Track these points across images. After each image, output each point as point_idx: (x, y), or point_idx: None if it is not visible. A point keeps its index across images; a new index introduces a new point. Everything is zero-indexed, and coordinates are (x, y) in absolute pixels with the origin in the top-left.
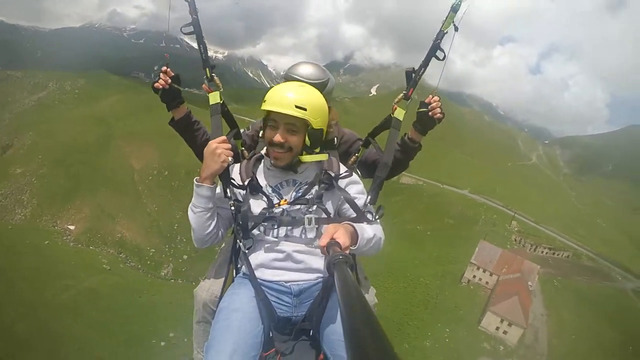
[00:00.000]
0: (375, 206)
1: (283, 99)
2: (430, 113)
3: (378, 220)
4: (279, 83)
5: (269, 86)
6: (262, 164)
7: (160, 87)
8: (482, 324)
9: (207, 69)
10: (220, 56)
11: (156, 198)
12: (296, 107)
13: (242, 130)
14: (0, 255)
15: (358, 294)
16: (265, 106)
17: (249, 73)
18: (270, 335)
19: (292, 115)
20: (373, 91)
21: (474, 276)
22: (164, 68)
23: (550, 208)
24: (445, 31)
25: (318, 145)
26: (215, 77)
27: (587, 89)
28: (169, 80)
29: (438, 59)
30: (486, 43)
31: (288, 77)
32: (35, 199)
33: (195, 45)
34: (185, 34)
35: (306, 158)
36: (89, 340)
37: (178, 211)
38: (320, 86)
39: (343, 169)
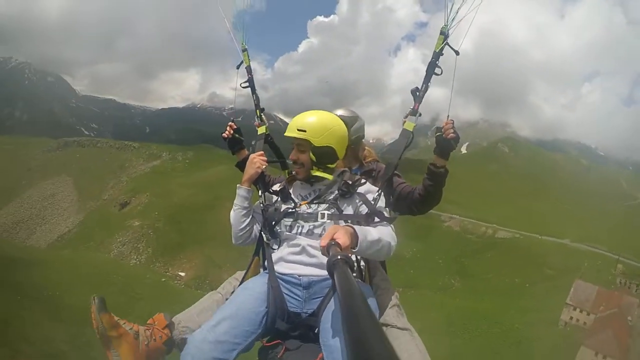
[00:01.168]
0: (389, 212)
1: (291, 124)
2: (444, 135)
3: (390, 225)
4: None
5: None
6: (297, 182)
7: (226, 136)
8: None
9: (258, 110)
10: None
11: None
12: (298, 130)
13: None
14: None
15: (358, 294)
16: (285, 133)
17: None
18: (276, 327)
19: (296, 137)
20: (463, 150)
21: (571, 317)
22: (230, 123)
23: None
24: (438, 51)
25: (328, 160)
26: (263, 116)
27: None
28: (232, 132)
29: (437, 74)
30: (572, 83)
31: None
32: (150, 247)
33: (287, 120)
34: (243, 87)
35: (315, 172)
36: None
37: None
38: (348, 120)
39: (362, 180)
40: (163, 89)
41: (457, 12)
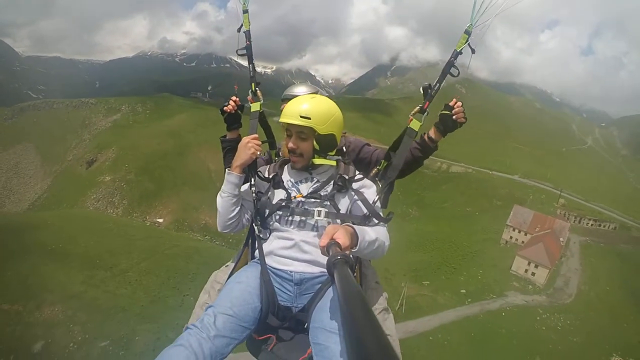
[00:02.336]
0: (386, 211)
1: (291, 111)
2: (454, 117)
3: (385, 226)
4: (327, 91)
5: None
6: (288, 165)
7: (228, 111)
8: (513, 267)
9: (253, 84)
10: (268, 71)
11: None
12: (301, 117)
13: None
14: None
15: (358, 294)
16: (280, 119)
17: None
18: (267, 321)
19: (299, 125)
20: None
21: (511, 237)
22: (234, 97)
23: (603, 188)
24: (459, 51)
25: (330, 148)
26: (259, 91)
27: None
28: (235, 107)
29: (452, 75)
30: (532, 29)
31: (286, 98)
32: (125, 200)
33: (243, 62)
34: (240, 55)
35: (317, 161)
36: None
37: None
38: None
39: (357, 173)
40: (109, 39)
41: (483, 12)
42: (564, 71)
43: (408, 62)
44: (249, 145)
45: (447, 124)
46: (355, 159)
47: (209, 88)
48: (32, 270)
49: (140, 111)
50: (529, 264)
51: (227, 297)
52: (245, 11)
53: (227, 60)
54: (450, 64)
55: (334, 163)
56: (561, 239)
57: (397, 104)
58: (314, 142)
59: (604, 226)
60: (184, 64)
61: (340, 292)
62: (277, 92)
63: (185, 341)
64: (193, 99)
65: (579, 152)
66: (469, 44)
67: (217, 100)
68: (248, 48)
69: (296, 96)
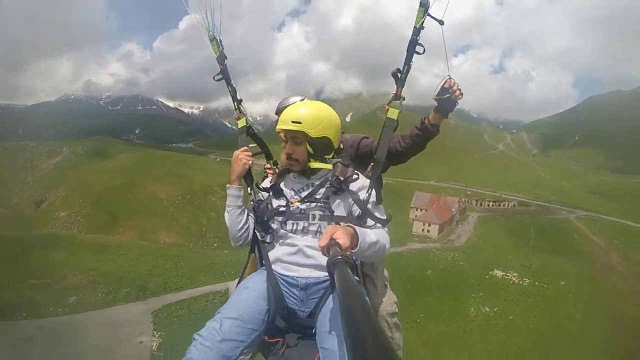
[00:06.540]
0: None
1: (284, 117)
2: (453, 96)
3: (386, 228)
4: (255, 129)
5: None
6: (290, 174)
7: (247, 167)
8: (413, 230)
9: (235, 102)
10: (196, 111)
11: (185, 213)
12: (292, 122)
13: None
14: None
15: (358, 294)
16: (276, 127)
17: (227, 123)
18: (276, 324)
19: (291, 130)
20: (348, 119)
21: (415, 215)
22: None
23: (509, 181)
24: (419, 26)
25: (326, 151)
26: (242, 108)
27: (550, 76)
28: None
29: (419, 53)
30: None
31: (279, 110)
32: (83, 231)
33: (170, 103)
34: (216, 80)
35: (314, 165)
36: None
37: (203, 219)
38: None
39: (355, 174)
40: (32, 82)
41: None
42: (479, 89)
43: (332, 94)
44: (240, 157)
45: (448, 106)
46: (355, 155)
47: (137, 131)
48: (43, 258)
49: (81, 152)
50: (423, 224)
51: (234, 301)
52: (212, 39)
53: (154, 102)
54: (413, 43)
55: (330, 166)
56: (452, 210)
57: None
58: (308, 146)
59: (504, 205)
60: (109, 107)
61: (340, 292)
62: (206, 131)
63: (191, 355)
64: (126, 141)
65: (491, 157)
66: (430, 15)
67: (146, 142)
68: (223, 72)
69: (289, 105)
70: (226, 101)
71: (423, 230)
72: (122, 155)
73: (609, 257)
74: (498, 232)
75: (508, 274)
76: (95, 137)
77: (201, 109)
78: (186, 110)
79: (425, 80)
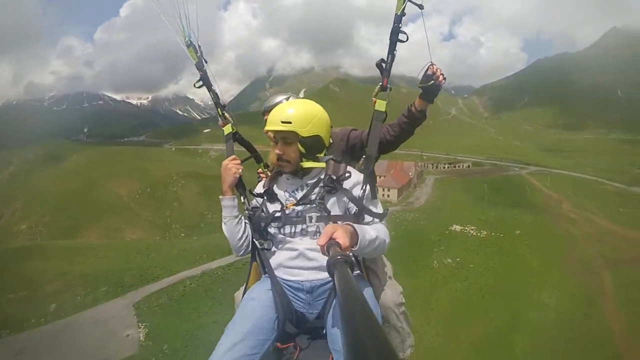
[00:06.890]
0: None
1: (273, 118)
2: (437, 82)
3: (384, 223)
4: (208, 114)
5: (199, 118)
6: (282, 176)
7: (238, 176)
8: None
9: (219, 109)
10: (145, 102)
11: (147, 207)
12: (282, 122)
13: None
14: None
15: (358, 294)
16: (264, 129)
17: (177, 110)
18: (286, 329)
19: (282, 130)
20: (301, 95)
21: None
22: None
23: (463, 144)
24: (399, 13)
25: (317, 150)
26: (226, 114)
27: (499, 40)
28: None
29: (402, 41)
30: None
31: (266, 110)
32: (47, 240)
33: (116, 97)
34: (197, 87)
35: (306, 164)
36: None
37: (167, 210)
38: None
39: (348, 171)
40: None
41: None
42: (430, 58)
43: (284, 71)
44: (229, 167)
45: (432, 92)
46: (346, 149)
47: (85, 130)
48: (16, 271)
49: (33, 159)
50: (383, 189)
51: (242, 315)
52: (189, 45)
53: (100, 97)
54: (395, 31)
55: (323, 165)
56: (410, 174)
57: None
58: (299, 146)
59: (459, 166)
60: (54, 108)
61: (340, 293)
62: (157, 121)
63: None
64: (76, 141)
65: (444, 122)
66: (411, 1)
67: (97, 140)
68: (203, 78)
69: (276, 105)
70: (174, 88)
71: (383, 195)
72: (75, 157)
73: (560, 207)
74: (455, 192)
75: (466, 228)
76: (44, 141)
77: (149, 98)
78: (134, 101)
79: (375, 50)
